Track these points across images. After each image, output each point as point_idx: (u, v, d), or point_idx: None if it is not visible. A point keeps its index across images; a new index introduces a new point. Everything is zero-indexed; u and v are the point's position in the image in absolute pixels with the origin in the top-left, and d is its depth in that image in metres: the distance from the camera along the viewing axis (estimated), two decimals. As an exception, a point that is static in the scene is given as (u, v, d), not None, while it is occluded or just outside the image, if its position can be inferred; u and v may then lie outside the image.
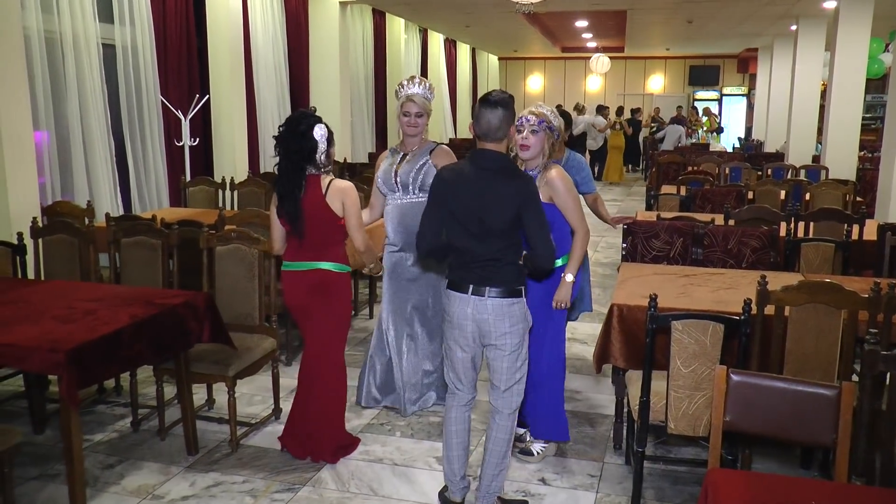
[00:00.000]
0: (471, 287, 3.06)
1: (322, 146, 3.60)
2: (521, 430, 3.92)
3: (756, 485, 2.04)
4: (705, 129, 19.16)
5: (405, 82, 4.28)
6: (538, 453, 3.83)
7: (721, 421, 2.54)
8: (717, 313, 3.21)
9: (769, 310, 3.31)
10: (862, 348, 2.52)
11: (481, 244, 3.02)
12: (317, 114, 3.68)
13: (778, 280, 3.58)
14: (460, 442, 3.27)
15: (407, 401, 4.35)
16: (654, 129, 18.31)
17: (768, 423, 2.54)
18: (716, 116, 19.45)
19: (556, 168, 3.63)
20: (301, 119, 3.57)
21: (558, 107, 17.32)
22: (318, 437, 3.82)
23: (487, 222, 2.99)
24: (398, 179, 4.24)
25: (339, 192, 3.60)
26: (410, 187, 4.23)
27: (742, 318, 3.14)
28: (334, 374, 3.81)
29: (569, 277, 3.57)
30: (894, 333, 3.27)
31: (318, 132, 3.56)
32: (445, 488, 3.36)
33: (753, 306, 3.21)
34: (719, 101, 22.61)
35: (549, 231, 3.07)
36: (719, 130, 18.97)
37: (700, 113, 19.90)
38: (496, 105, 3.02)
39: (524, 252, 3.09)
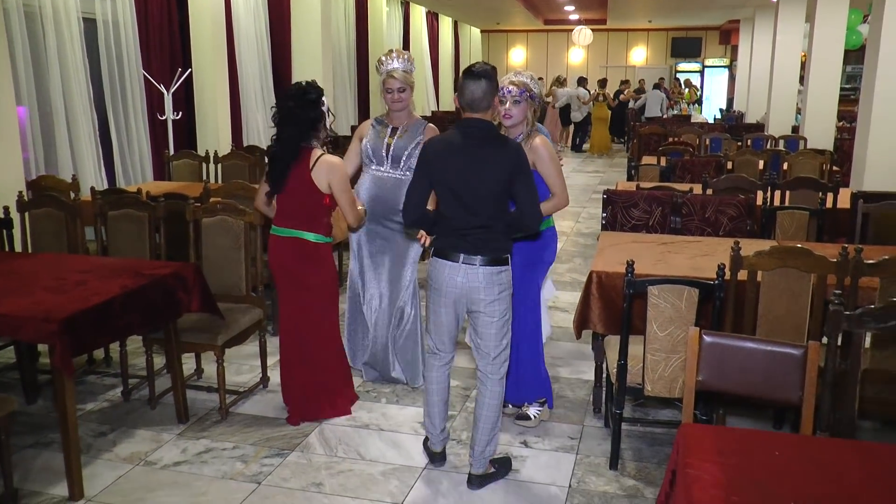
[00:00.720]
0: (462, 255, 3.16)
1: (327, 120, 3.73)
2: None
3: (725, 437, 2.15)
4: (686, 100, 19.27)
5: (384, 58, 4.30)
6: (534, 417, 3.94)
7: (694, 381, 2.65)
8: (693, 279, 3.32)
9: (742, 274, 3.42)
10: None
11: (472, 212, 3.12)
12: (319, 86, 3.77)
13: (753, 247, 3.68)
14: (441, 399, 3.47)
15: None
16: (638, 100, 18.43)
17: (739, 382, 2.65)
18: (696, 88, 19.54)
19: (541, 136, 3.72)
20: (310, 89, 3.67)
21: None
22: (320, 397, 3.97)
23: (478, 190, 3.09)
24: (391, 152, 4.26)
25: (326, 171, 3.69)
26: (402, 162, 4.26)
27: (716, 282, 3.25)
28: (329, 336, 3.95)
29: None
30: (861, 296, 3.40)
31: (325, 105, 3.70)
32: (427, 440, 3.59)
33: (727, 271, 3.32)
34: (701, 72, 22.72)
35: (537, 196, 3.18)
36: (699, 102, 19.09)
37: (682, 85, 20.01)
38: (479, 77, 3.11)
39: (511, 211, 3.20)
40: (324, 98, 3.71)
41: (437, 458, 3.54)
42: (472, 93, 3.11)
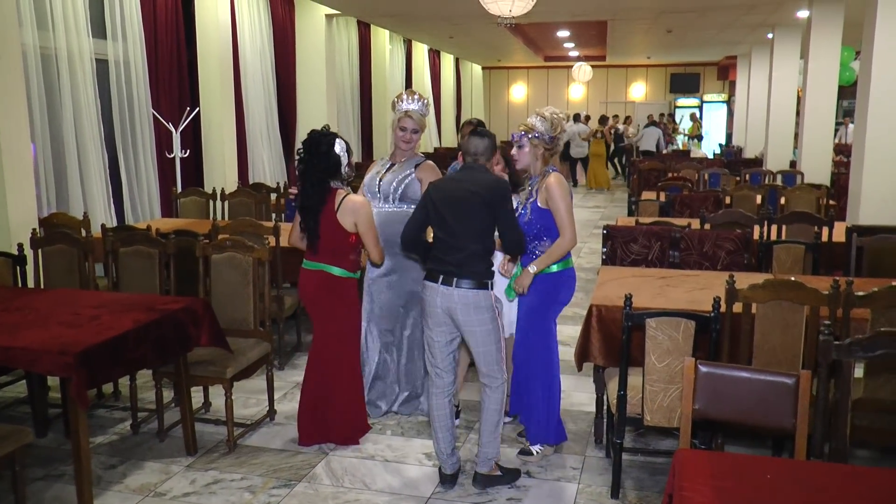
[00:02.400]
0: (441, 277, 3.50)
1: (344, 160, 3.88)
2: (508, 419, 4.17)
3: (719, 462, 2.23)
4: (688, 134, 19.43)
5: (405, 96, 4.45)
6: (537, 453, 4.01)
7: (690, 409, 2.74)
8: (690, 311, 3.42)
9: (737, 307, 3.51)
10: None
11: (455, 241, 3.47)
12: (332, 131, 3.94)
13: (749, 280, 3.77)
14: (444, 425, 3.65)
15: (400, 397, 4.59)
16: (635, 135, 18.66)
17: (734, 410, 2.73)
18: (699, 123, 19.72)
19: (555, 175, 3.86)
20: (321, 140, 3.83)
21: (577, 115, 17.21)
22: (336, 422, 4.09)
23: (462, 223, 3.47)
24: (380, 187, 4.43)
25: (352, 212, 3.87)
26: (390, 197, 4.41)
27: (712, 315, 3.35)
28: (346, 365, 4.09)
29: (532, 269, 3.79)
30: (854, 327, 3.49)
31: (339, 147, 3.85)
32: (440, 464, 3.74)
33: (723, 304, 3.42)
34: (700, 107, 22.99)
35: (517, 224, 3.59)
36: (699, 137, 19.27)
37: (678, 120, 20.22)
38: (483, 136, 3.66)
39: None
40: (338, 141, 3.85)
41: (447, 480, 3.69)
42: (476, 147, 3.63)
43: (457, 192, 3.52)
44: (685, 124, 21.06)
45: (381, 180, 4.44)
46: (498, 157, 4.13)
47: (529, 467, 3.90)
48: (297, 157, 3.93)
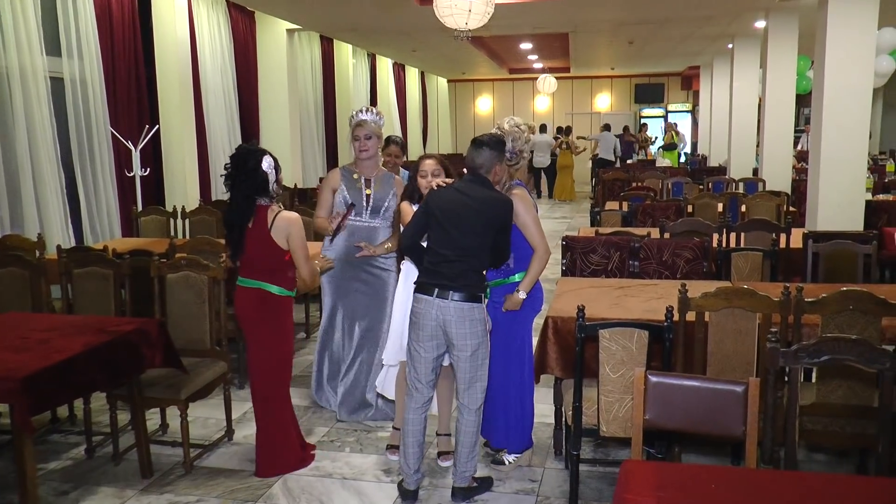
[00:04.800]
0: (436, 290, 3.43)
1: (272, 176, 3.80)
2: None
3: (665, 472, 2.24)
4: (665, 143, 19.45)
5: (357, 111, 4.64)
6: (509, 463, 4.00)
7: (641, 419, 2.74)
8: (642, 321, 3.43)
9: (691, 316, 3.53)
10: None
11: (455, 255, 3.44)
12: (260, 145, 3.90)
13: (705, 288, 3.79)
14: (415, 441, 3.61)
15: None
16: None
17: (685, 419, 2.74)
18: (675, 133, 19.72)
19: (519, 189, 3.87)
20: (248, 156, 3.75)
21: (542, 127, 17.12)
22: (271, 452, 3.98)
23: (465, 236, 3.45)
24: (370, 203, 4.55)
25: (284, 228, 3.79)
26: (381, 212, 4.58)
27: (665, 324, 3.37)
28: (278, 391, 3.97)
29: (521, 295, 3.79)
30: (807, 333, 3.52)
31: (266, 164, 3.76)
32: (402, 480, 3.68)
33: (675, 313, 3.43)
34: (665, 117, 23.21)
35: (507, 246, 3.63)
36: (670, 147, 19.32)
37: (660, 129, 20.31)
38: (481, 145, 3.56)
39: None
40: (266, 157, 3.77)
41: (408, 496, 3.65)
42: (473, 160, 3.58)
43: (460, 205, 3.49)
44: (651, 132, 21.18)
45: (369, 196, 4.56)
46: (436, 168, 3.98)
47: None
48: (223, 174, 3.84)
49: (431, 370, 3.58)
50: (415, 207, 3.85)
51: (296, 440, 4.11)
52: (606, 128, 18.35)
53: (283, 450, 4.02)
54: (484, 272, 3.56)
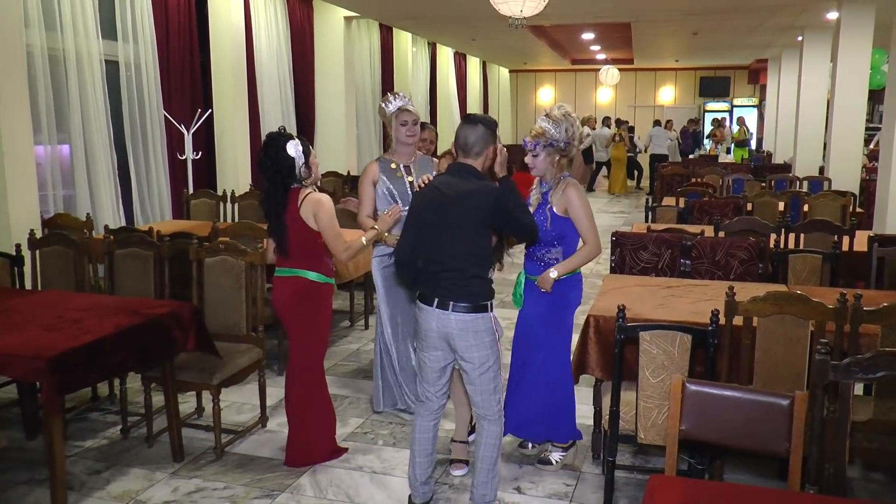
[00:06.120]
0: (436, 300, 3.14)
1: (300, 160, 3.74)
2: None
3: (693, 489, 2.08)
4: (735, 138, 18.92)
5: (390, 97, 4.47)
6: (556, 462, 3.89)
7: (677, 430, 2.59)
8: (686, 324, 3.26)
9: (738, 320, 3.34)
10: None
11: (445, 256, 3.13)
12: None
13: (759, 291, 3.59)
14: (423, 450, 3.36)
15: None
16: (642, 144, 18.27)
17: (723, 432, 2.58)
18: (746, 128, 19.18)
19: (573, 182, 3.73)
20: (272, 142, 3.74)
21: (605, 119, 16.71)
22: (303, 444, 3.92)
23: (452, 234, 3.11)
24: (414, 190, 4.35)
25: (312, 206, 3.72)
26: None
27: (710, 328, 3.18)
28: (311, 382, 3.90)
29: (552, 274, 3.63)
30: (864, 344, 3.29)
31: (292, 149, 3.71)
32: (410, 493, 3.46)
33: (721, 317, 3.25)
34: (730, 112, 22.58)
35: (526, 223, 3.23)
36: (742, 143, 18.71)
37: (731, 124, 19.73)
38: (476, 122, 3.19)
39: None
40: (292, 143, 3.71)
41: None
42: (465, 137, 3.18)
43: (442, 203, 3.12)
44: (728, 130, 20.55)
45: (409, 182, 4.43)
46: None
47: (521, 482, 3.76)
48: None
49: (438, 378, 3.29)
50: None
51: (331, 431, 4.06)
52: (656, 123, 17.92)
53: (316, 441, 3.97)
54: (489, 275, 3.23)
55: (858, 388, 3.80)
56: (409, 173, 4.46)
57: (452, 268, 3.12)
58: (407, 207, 4.26)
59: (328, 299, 3.93)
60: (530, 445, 4.04)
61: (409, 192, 4.39)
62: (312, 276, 3.81)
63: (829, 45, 11.86)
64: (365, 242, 3.86)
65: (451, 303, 3.11)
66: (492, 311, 3.19)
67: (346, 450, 4.09)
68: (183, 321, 3.80)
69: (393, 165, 4.48)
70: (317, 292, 3.84)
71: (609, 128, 17.61)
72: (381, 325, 4.53)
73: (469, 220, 3.10)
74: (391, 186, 4.43)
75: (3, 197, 5.41)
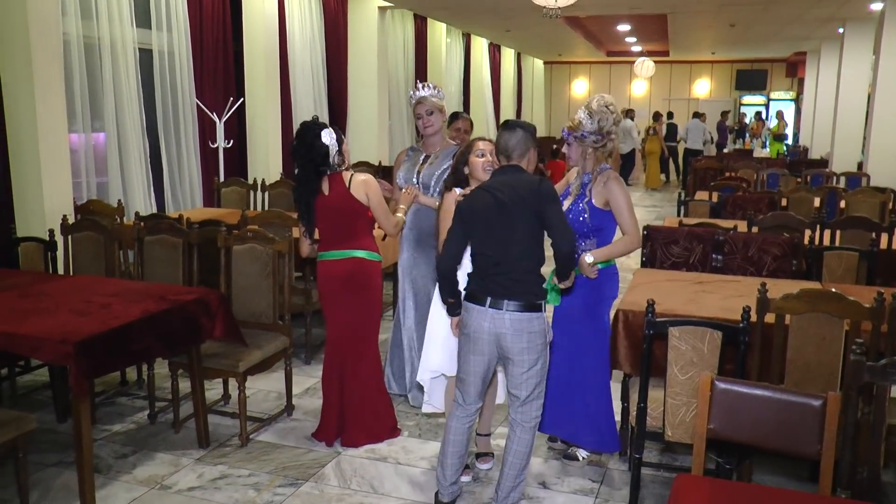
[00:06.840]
0: (489, 299, 3.08)
1: (334, 148, 3.83)
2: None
3: (719, 490, 2.04)
4: (772, 131, 18.64)
5: (418, 85, 4.51)
6: (582, 458, 3.86)
7: (705, 428, 2.54)
8: (717, 320, 3.19)
9: (770, 318, 3.26)
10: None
11: (503, 259, 3.08)
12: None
13: (792, 288, 3.50)
14: (456, 451, 3.31)
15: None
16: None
17: (753, 432, 2.52)
18: (784, 123, 18.87)
19: (614, 174, 3.69)
20: (307, 131, 3.84)
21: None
22: (364, 423, 4.02)
23: (506, 233, 3.07)
24: (420, 180, 4.41)
25: (363, 184, 3.86)
26: (431, 189, 4.39)
27: (741, 325, 3.12)
28: (374, 359, 4.04)
29: (588, 258, 3.58)
30: (900, 344, 3.20)
31: (326, 137, 3.82)
32: (437, 491, 3.42)
33: (753, 314, 3.18)
34: (766, 105, 22.20)
35: (566, 221, 3.13)
36: (780, 137, 18.40)
37: (768, 118, 19.42)
38: (514, 127, 3.23)
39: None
40: (326, 131, 3.82)
41: None
42: (506, 142, 3.21)
43: (494, 202, 3.07)
44: (767, 122, 20.22)
45: (419, 172, 4.43)
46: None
47: (546, 477, 3.72)
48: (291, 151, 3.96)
49: (481, 382, 3.23)
50: (458, 191, 3.56)
51: (391, 408, 4.19)
52: (695, 115, 17.57)
53: (380, 417, 4.08)
54: (540, 272, 3.16)
55: (894, 391, 3.71)
56: (424, 163, 4.47)
57: (506, 266, 3.07)
58: (418, 185, 4.38)
59: (379, 277, 4.03)
60: (559, 440, 4.00)
61: (414, 182, 4.41)
62: (363, 254, 3.93)
63: (872, 37, 11.58)
64: (403, 217, 4.12)
65: (506, 301, 3.06)
66: (544, 310, 3.14)
67: (400, 430, 4.17)
68: (210, 308, 3.82)
69: (419, 151, 4.52)
70: (371, 269, 3.97)
71: (632, 119, 17.33)
72: (402, 313, 4.56)
73: (523, 214, 3.05)
74: (402, 174, 4.50)
75: (38, 183, 5.49)
